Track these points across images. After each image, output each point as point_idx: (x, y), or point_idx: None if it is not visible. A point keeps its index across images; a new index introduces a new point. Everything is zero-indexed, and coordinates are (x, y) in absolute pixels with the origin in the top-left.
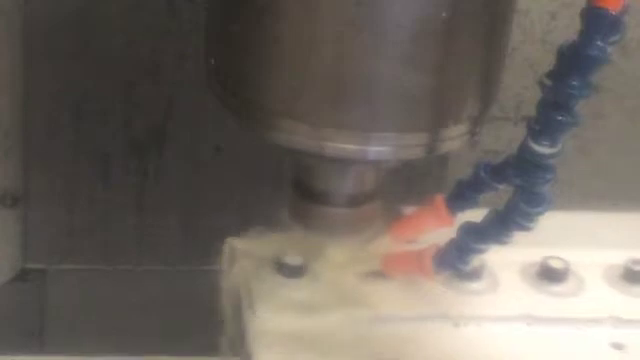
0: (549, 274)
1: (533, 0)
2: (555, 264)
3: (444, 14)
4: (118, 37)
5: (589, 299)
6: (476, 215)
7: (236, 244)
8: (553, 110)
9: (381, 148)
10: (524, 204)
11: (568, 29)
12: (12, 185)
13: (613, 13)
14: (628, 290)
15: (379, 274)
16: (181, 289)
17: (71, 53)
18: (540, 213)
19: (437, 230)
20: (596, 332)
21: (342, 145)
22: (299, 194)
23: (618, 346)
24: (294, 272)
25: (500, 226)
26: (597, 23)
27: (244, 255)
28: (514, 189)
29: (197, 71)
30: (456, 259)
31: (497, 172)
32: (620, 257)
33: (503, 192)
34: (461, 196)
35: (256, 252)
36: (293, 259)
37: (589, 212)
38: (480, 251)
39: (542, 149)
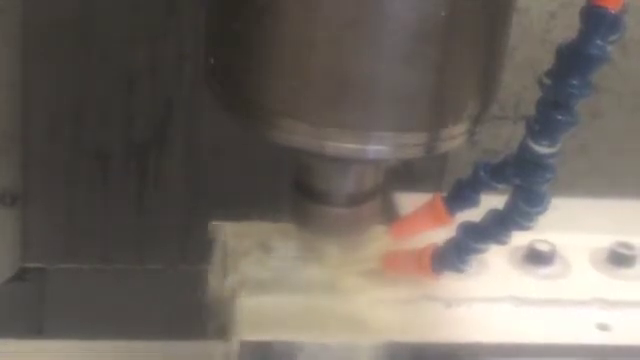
0: (536, 257)
1: None
2: (542, 247)
3: (443, 13)
4: (118, 37)
5: (575, 281)
6: (475, 214)
7: (225, 228)
8: (553, 109)
9: (381, 147)
10: (523, 203)
11: (568, 28)
12: (11, 184)
13: (613, 12)
14: (614, 273)
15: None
16: (181, 289)
17: (71, 53)
18: (540, 213)
19: (436, 230)
20: (582, 313)
21: (342, 144)
22: (299, 194)
23: (604, 327)
24: (281, 254)
25: (499, 226)
26: (597, 22)
27: (232, 238)
28: (513, 188)
29: (196, 71)
30: (455, 258)
31: (496, 171)
32: (606, 241)
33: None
34: (460, 196)
35: (244, 235)
36: (282, 242)
37: (576, 198)
38: (480, 251)
39: (541, 148)
